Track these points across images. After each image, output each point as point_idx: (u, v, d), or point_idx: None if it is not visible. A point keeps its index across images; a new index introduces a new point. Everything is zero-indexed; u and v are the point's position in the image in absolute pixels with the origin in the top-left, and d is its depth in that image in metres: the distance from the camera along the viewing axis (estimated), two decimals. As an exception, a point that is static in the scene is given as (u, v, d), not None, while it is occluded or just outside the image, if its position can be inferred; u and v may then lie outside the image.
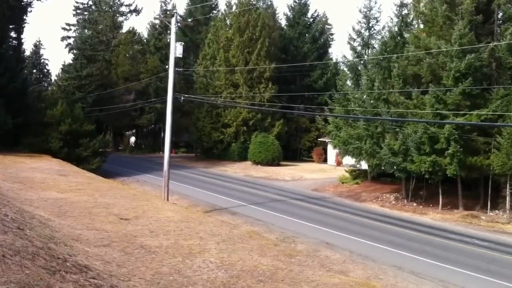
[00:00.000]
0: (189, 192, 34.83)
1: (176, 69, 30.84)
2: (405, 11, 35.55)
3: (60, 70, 64.21)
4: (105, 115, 54.91)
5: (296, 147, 60.16)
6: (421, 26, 33.78)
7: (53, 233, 13.21)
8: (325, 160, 55.63)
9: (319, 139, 56.13)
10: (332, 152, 52.43)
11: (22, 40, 45.84)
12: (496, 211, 29.30)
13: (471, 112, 27.72)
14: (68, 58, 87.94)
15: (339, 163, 50.17)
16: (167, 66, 34.32)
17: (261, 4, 61.46)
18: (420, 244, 23.16)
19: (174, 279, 11.42)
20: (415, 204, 32.46)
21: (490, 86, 29.02)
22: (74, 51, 65.97)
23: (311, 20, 65.05)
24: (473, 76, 28.02)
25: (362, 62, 38.84)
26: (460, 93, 27.92)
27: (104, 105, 54.53)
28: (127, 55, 67.09)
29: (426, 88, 29.83)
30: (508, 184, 27.99)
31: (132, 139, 75.36)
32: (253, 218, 27.11)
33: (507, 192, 28.21)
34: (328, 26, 71.21)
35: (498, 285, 17.80)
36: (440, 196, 30.93)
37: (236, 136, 55.05)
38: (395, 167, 32.01)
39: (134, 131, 74.79)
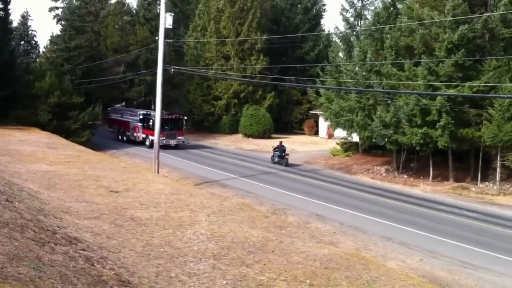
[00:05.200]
0: (180, 164, 34.79)
1: (166, 40, 30.51)
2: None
3: (48, 41, 63.23)
4: (95, 87, 54.36)
5: (287, 120, 59.98)
6: (414, -4, 33.39)
7: (42, 205, 13.12)
8: (316, 133, 55.57)
9: (310, 112, 55.92)
10: (323, 125, 52.35)
11: (9, 11, 44.77)
12: (486, 182, 29.47)
13: (463, 84, 27.64)
14: (56, 29, 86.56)
15: (330, 136, 50.15)
16: (157, 38, 33.87)
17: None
18: (410, 215, 23.33)
19: (164, 251, 11.40)
20: (405, 176, 32.58)
21: (483, 57, 28.91)
22: (62, 22, 64.86)
23: (303, -10, 64.18)
24: (465, 47, 27.87)
25: (354, 33, 38.50)
26: (453, 64, 27.79)
27: (93, 77, 53.94)
28: (116, 26, 66.09)
29: (419, 59, 29.64)
30: (498, 156, 28.11)
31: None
32: (244, 190, 27.15)
33: (498, 164, 28.35)
34: (320, -3, 70.28)
35: (486, 255, 18.00)
36: (431, 168, 31.06)
37: (227, 108, 54.77)
38: (386, 139, 32.03)
39: (124, 103, 74.07)
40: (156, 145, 29.18)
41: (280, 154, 36.72)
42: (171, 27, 29.14)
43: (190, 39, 56.35)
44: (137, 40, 62.82)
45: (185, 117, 46.00)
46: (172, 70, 31.33)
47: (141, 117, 44.21)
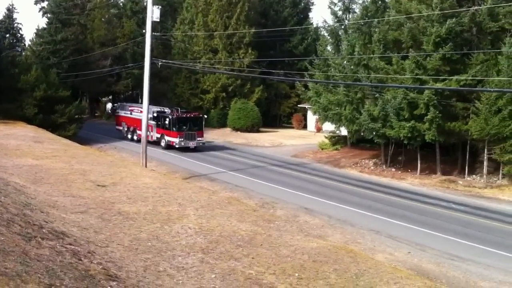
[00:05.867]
0: (168, 158, 34.63)
1: (154, 33, 30.29)
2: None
3: (34, 34, 62.35)
4: (81, 81, 53.88)
5: (275, 113, 59.97)
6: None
7: (29, 200, 12.99)
8: (304, 126, 55.63)
9: (299, 105, 55.93)
10: (312, 118, 52.40)
11: (-6, 4, 44.31)
12: (474, 176, 29.68)
13: (451, 78, 27.77)
14: (42, 22, 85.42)
15: (318, 129, 50.21)
16: (144, 31, 33.52)
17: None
18: (398, 208, 23.42)
19: (152, 245, 11.33)
20: (393, 170, 32.72)
21: (470, 51, 29.02)
22: (48, 15, 64.17)
23: (292, -17, 63.98)
24: (453, 41, 27.98)
25: (342, 27, 38.47)
26: (440, 58, 27.91)
27: (79, 70, 53.46)
28: (103, 19, 65.45)
29: (407, 53, 29.75)
30: (485, 149, 28.29)
31: (109, 105, 74.18)
32: (233, 184, 27.11)
33: (485, 157, 28.53)
34: (308, -10, 70.16)
35: (474, 248, 18.13)
36: (419, 162, 31.21)
37: (215, 102, 54.60)
38: (374, 133, 32.13)
39: (110, 97, 73.63)
40: (143, 139, 28.98)
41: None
42: (158, 20, 28.92)
43: (178, 32, 56.05)
44: (124, 33, 62.36)
45: (205, 116, 41.85)
46: (160, 63, 31.17)
47: (154, 114, 39.66)
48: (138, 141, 39.35)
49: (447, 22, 27.64)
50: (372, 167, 33.97)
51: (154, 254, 10.70)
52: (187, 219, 13.99)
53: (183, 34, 54.85)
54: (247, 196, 24.46)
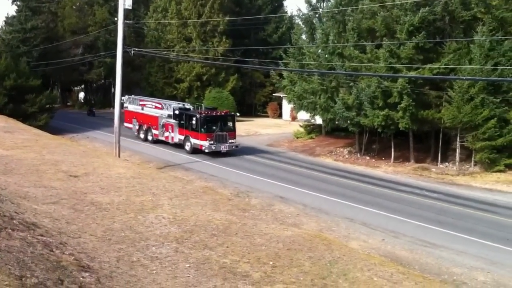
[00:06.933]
0: (142, 148, 34.30)
1: (126, 21, 29.85)
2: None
3: (3, 23, 61.08)
4: (52, 69, 52.96)
5: (250, 102, 59.80)
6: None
7: (-2, 190, 12.72)
8: (280, 115, 55.66)
9: (274, 94, 55.92)
10: (287, 107, 52.43)
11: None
12: (446, 163, 30.11)
13: (424, 66, 28.06)
14: (12, 10, 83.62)
15: (294, 118, 50.30)
16: (116, 19, 32.85)
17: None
18: (372, 196, 23.63)
19: (126, 235, 11.19)
20: (368, 158, 32.98)
21: (443, 40, 29.30)
22: (18, 3, 62.83)
23: (266, -29, 63.60)
24: (426, 30, 28.26)
25: (317, 15, 38.45)
26: (414, 47, 28.16)
27: (50, 59, 52.50)
28: (74, 7, 64.31)
29: (380, 42, 29.91)
30: (458, 137, 28.68)
31: (81, 94, 73.16)
32: (207, 174, 27.03)
33: (457, 145, 28.94)
34: (282, -21, 69.82)
35: (447, 234, 18.39)
36: (392, 150, 31.50)
37: (190, 91, 54.14)
38: (348, 122, 32.33)
39: (83, 86, 72.57)
40: (116, 129, 28.58)
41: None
42: (130, 7, 28.53)
43: (151, 20, 55.34)
44: (95, 21, 61.27)
45: (237, 114, 37.47)
46: (132, 52, 30.75)
47: (176, 112, 34.38)
48: (154, 142, 36.42)
49: (420, 11, 27.91)
50: (346, 156, 34.20)
51: (128, 245, 10.57)
52: (161, 209, 13.87)
53: (156, 22, 54.17)
54: (222, 185, 24.42)
